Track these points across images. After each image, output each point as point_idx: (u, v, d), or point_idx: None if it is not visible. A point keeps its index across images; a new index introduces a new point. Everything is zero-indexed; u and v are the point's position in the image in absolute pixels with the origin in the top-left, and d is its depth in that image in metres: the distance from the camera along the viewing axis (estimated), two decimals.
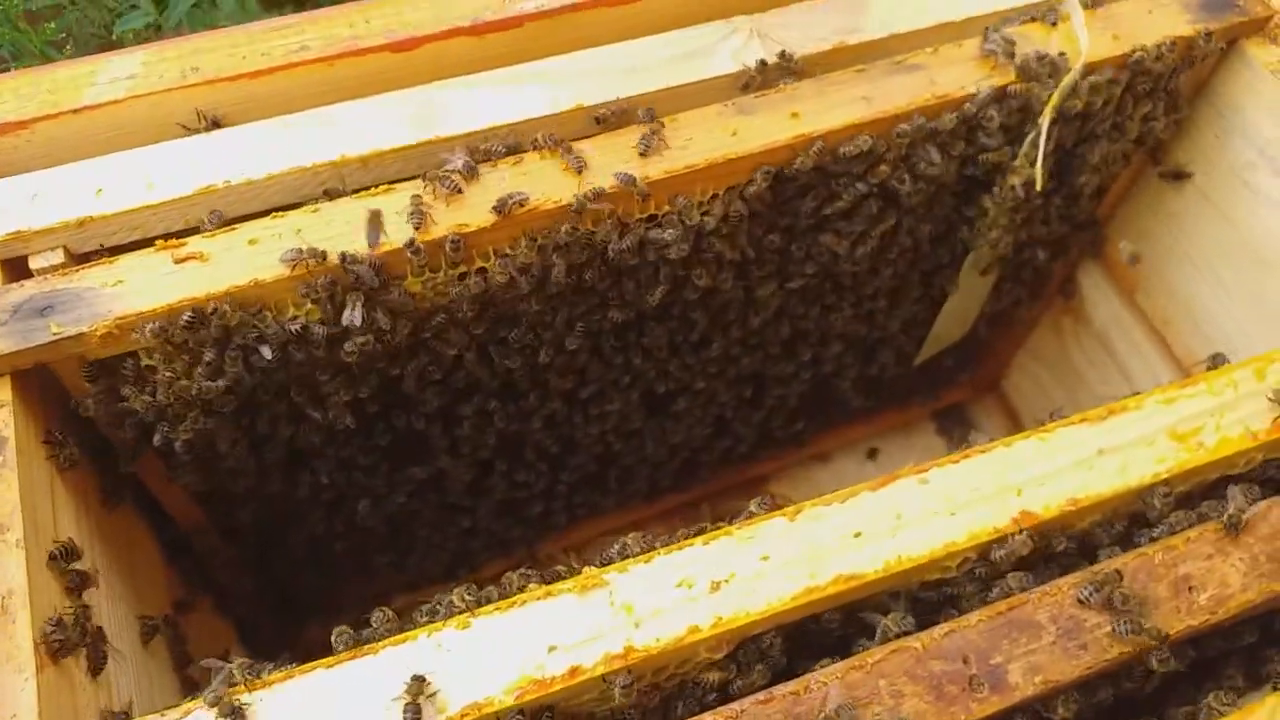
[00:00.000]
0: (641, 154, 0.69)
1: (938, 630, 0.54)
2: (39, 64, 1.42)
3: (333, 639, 0.55)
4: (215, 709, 0.51)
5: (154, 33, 1.59)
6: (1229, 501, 0.58)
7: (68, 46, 1.53)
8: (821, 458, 1.27)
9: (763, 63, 0.74)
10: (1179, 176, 0.91)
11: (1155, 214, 0.96)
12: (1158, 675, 0.56)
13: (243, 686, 0.52)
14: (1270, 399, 0.63)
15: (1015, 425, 1.26)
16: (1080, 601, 0.56)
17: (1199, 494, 0.63)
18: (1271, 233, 0.85)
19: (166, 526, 0.79)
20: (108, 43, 1.58)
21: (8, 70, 1.42)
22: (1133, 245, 0.97)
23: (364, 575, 0.96)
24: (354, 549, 0.91)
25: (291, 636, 1.00)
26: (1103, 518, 0.60)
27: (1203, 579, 0.56)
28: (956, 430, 1.35)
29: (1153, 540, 0.58)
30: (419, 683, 0.54)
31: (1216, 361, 0.71)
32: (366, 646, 0.52)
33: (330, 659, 0.53)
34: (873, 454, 1.29)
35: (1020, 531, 0.58)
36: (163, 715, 0.51)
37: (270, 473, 0.75)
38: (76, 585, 0.59)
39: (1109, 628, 0.54)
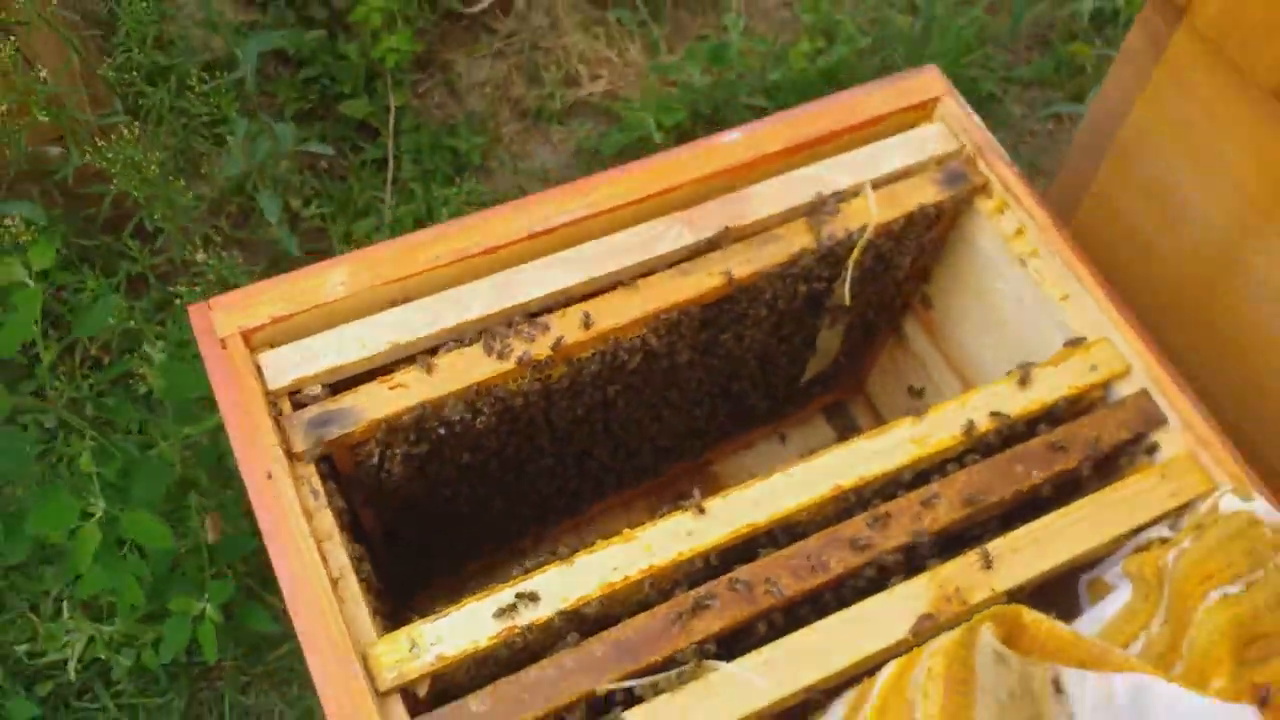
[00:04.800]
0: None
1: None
2: None
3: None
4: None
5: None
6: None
7: None
8: (748, 445, 1.86)
9: (692, 243, 1.29)
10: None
11: (944, 292, 1.55)
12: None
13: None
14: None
15: (876, 414, 1.86)
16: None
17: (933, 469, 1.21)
18: (1001, 308, 1.43)
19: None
20: None
21: None
22: None
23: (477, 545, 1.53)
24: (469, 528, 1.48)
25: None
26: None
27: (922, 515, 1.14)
28: (838, 418, 1.94)
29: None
30: (523, 597, 1.08)
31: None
32: (510, 582, 1.08)
33: (490, 589, 1.08)
34: (783, 438, 1.88)
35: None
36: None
37: (433, 490, 1.30)
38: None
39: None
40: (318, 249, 2.11)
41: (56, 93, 1.54)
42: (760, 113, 2.34)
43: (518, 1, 2.53)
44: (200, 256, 1.68)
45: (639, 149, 2.30)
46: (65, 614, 1.67)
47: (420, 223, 2.13)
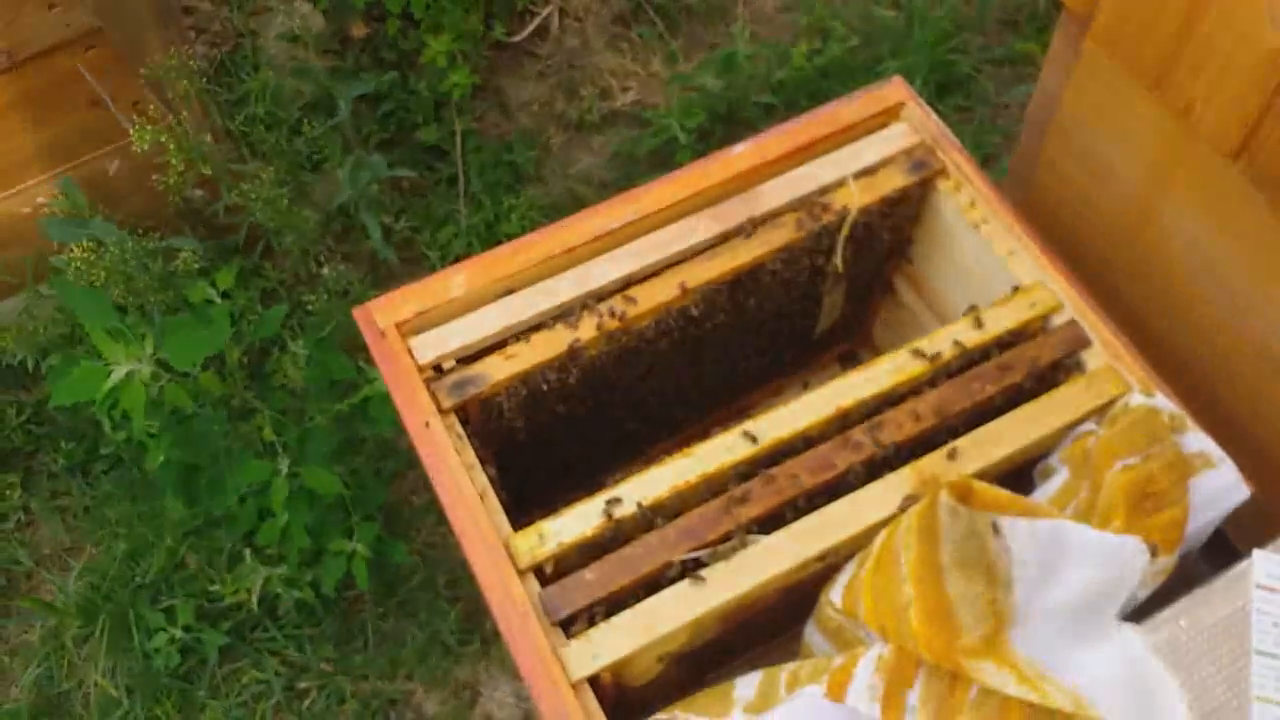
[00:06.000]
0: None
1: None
2: None
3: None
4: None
5: None
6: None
7: None
8: (778, 391, 2.27)
9: (718, 233, 1.70)
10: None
11: (923, 256, 1.94)
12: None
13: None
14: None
15: None
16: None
17: (911, 390, 1.61)
18: (965, 264, 1.82)
19: None
20: None
21: None
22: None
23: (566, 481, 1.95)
24: (561, 465, 1.90)
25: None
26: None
27: (904, 424, 1.54)
28: (851, 365, 2.34)
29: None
30: (615, 500, 1.50)
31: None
32: (610, 488, 1.49)
33: (592, 494, 1.50)
34: (805, 384, 2.28)
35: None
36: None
37: (536, 434, 1.73)
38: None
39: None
40: (409, 256, 2.54)
41: (210, 150, 1.97)
42: (769, 109, 2.73)
43: (553, 26, 2.93)
44: (325, 271, 2.11)
45: (668, 149, 2.70)
46: (247, 559, 2.13)
47: (490, 227, 2.55)
